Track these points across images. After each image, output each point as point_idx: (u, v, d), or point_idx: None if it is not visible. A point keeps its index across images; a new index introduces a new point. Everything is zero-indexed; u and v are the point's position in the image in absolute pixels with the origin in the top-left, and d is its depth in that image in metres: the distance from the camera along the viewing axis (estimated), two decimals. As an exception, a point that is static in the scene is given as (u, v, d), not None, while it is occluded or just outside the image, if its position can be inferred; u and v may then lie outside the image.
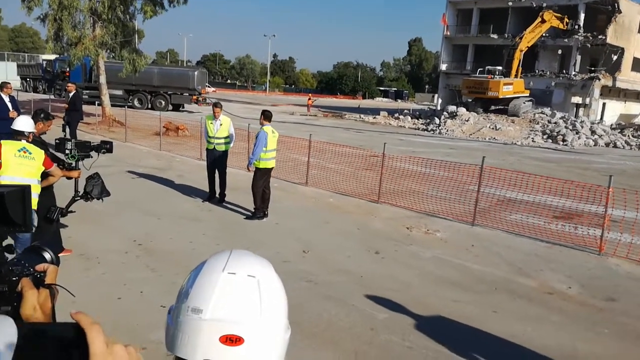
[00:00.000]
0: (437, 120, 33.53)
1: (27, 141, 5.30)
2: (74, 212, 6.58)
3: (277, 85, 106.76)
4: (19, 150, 5.16)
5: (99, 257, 6.30)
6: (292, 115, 37.11)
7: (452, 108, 34.65)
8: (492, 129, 30.75)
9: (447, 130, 31.10)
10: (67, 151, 6.22)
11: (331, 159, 13.78)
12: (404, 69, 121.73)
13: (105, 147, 6.67)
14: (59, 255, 4.56)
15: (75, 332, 0.78)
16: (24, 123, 5.40)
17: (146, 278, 5.82)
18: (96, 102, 21.15)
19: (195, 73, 32.05)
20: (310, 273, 6.27)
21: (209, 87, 50.67)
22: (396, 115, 39.66)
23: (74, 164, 6.27)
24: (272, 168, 8.82)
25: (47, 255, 1.31)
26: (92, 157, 6.46)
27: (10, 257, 1.19)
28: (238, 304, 0.94)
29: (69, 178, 6.13)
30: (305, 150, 12.23)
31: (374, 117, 38.94)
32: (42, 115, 6.21)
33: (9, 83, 11.18)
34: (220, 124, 9.30)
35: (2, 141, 5.16)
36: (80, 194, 6.56)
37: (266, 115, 8.61)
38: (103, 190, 6.72)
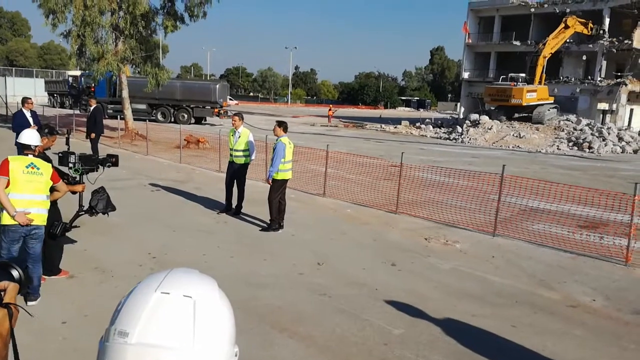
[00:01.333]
0: (459, 129, 33.14)
1: (34, 155, 5.23)
2: (78, 227, 6.59)
3: (298, 97, 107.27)
4: (27, 167, 5.04)
5: (113, 270, 6.31)
6: (313, 127, 37.15)
7: (474, 116, 34.22)
8: (516, 137, 30.24)
9: (470, 139, 30.69)
10: (70, 164, 6.20)
11: (350, 169, 13.68)
12: (426, 78, 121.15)
13: (111, 160, 6.64)
14: (56, 276, 4.55)
15: None
16: (30, 136, 5.31)
17: (159, 291, 5.79)
18: (119, 116, 21.51)
19: (217, 86, 32.39)
20: (324, 286, 6.16)
21: (231, 99, 51.22)
22: (418, 124, 39.35)
23: (78, 178, 6.24)
24: (288, 179, 8.77)
25: (15, 273, 1.26)
26: (96, 170, 6.43)
27: None
28: (168, 328, 0.84)
29: (73, 193, 6.07)
30: (322, 160, 12.15)
31: (395, 127, 38.71)
32: (46, 130, 6.18)
33: (30, 98, 11.45)
34: (239, 136, 9.30)
35: (9, 157, 5.07)
36: (84, 209, 6.50)
37: (284, 127, 8.59)
38: (108, 205, 6.68)
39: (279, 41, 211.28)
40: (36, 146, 5.29)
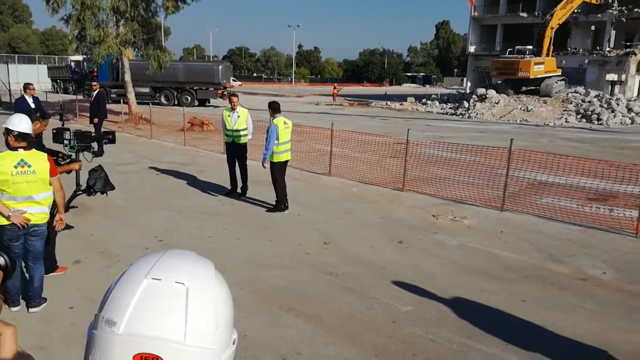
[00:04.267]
0: (465, 104, 32.79)
1: (26, 147, 4.49)
2: (76, 207, 6.48)
3: (302, 76, 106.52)
4: (15, 166, 4.39)
5: (119, 255, 6.30)
6: (317, 106, 36.88)
7: (481, 91, 33.80)
8: (524, 110, 29.87)
9: (477, 114, 30.37)
10: (65, 141, 5.95)
11: (355, 147, 13.57)
12: (431, 53, 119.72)
13: (108, 137, 6.46)
14: (54, 273, 4.35)
15: None
16: (24, 123, 4.51)
17: (165, 274, 5.77)
18: (122, 100, 21.41)
19: (220, 67, 32.14)
20: (331, 265, 6.13)
21: (234, 80, 50.92)
22: (424, 100, 38.98)
23: (73, 156, 5.99)
24: (287, 160, 8.63)
25: (1, 260, 1.20)
26: (93, 147, 6.17)
27: None
28: (158, 317, 0.77)
29: (68, 172, 5.69)
30: (328, 139, 12.04)
31: (401, 104, 38.37)
32: (38, 115, 5.71)
33: (32, 84, 11.37)
34: (238, 116, 9.19)
35: None
36: (82, 188, 6.27)
37: (274, 108, 8.40)
38: (107, 184, 6.49)
39: (281, 20, 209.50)
40: (27, 134, 4.53)
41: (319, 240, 7.05)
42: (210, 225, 7.67)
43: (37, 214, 4.57)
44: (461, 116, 30.89)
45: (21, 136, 4.45)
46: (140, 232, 7.24)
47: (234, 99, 9.23)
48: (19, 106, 11.15)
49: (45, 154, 4.68)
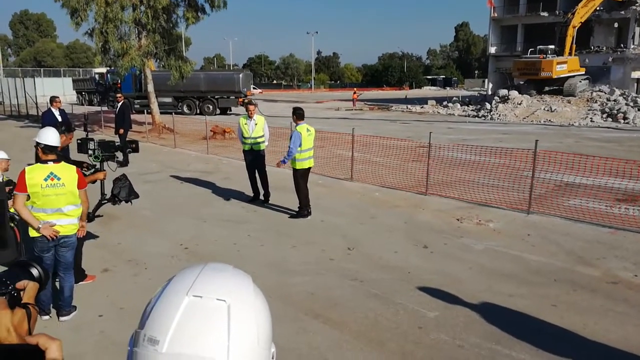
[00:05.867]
0: (488, 106, 32.44)
1: (56, 159, 4.61)
2: (101, 216, 6.59)
3: (322, 82, 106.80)
4: (45, 179, 4.47)
5: (147, 262, 6.38)
6: (338, 111, 36.92)
7: (503, 92, 33.40)
8: (547, 111, 29.41)
9: (499, 115, 30.02)
10: (90, 151, 6.04)
11: (377, 152, 13.53)
12: (451, 56, 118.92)
13: (131, 146, 6.54)
14: (83, 282, 4.37)
15: (35, 350, 0.73)
16: (53, 137, 4.66)
17: (192, 282, 5.82)
18: (146, 111, 21.76)
19: (240, 76, 32.44)
20: (356, 271, 6.11)
21: (255, 88, 51.31)
22: (445, 103, 38.70)
23: (98, 165, 6.09)
24: (309, 167, 8.63)
25: (35, 271, 1.22)
26: (117, 157, 6.26)
27: None
28: (202, 336, 0.78)
29: (93, 182, 5.80)
30: (349, 145, 12.04)
31: (422, 107, 38.15)
32: (63, 128, 5.80)
33: (58, 97, 11.65)
34: (255, 124, 9.25)
35: (26, 168, 4.55)
36: (107, 197, 6.37)
37: (298, 114, 8.44)
38: (131, 192, 6.57)
39: (300, 27, 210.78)
40: (56, 147, 4.67)
41: (343, 245, 7.04)
42: (234, 232, 7.72)
43: (66, 226, 4.67)
44: (483, 118, 30.56)
45: (50, 149, 4.56)
46: (166, 240, 7.33)
47: (251, 107, 9.31)
48: (46, 119, 11.43)
49: (74, 167, 4.77)
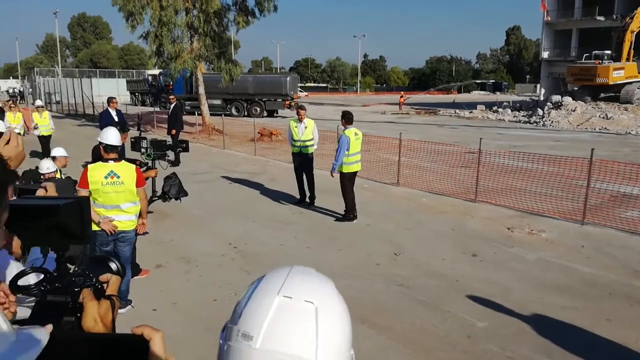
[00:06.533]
0: (540, 112, 31.48)
1: (116, 158, 4.85)
2: (152, 212, 6.79)
3: (368, 86, 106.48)
4: (106, 177, 4.69)
5: (197, 260, 6.55)
6: (383, 115, 36.72)
7: (556, 98, 32.36)
8: (603, 118, 28.27)
9: (552, 122, 29.08)
10: (142, 149, 6.30)
11: (424, 157, 13.39)
12: (502, 60, 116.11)
13: (182, 146, 6.76)
14: (138, 276, 4.55)
15: (140, 340, 0.77)
16: (115, 136, 4.89)
17: (240, 280, 5.94)
18: (196, 112, 22.31)
19: (288, 79, 32.79)
20: (403, 277, 6.07)
21: (301, 91, 51.73)
22: (495, 108, 37.81)
23: (150, 163, 6.33)
24: (357, 171, 8.65)
25: (113, 266, 1.30)
26: (168, 156, 6.45)
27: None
28: (292, 335, 0.83)
29: (145, 179, 5.90)
30: (395, 149, 11.97)
31: (471, 112, 37.43)
32: (118, 128, 5.85)
33: (115, 98, 12.11)
34: (305, 127, 9.35)
35: (89, 166, 4.81)
36: (158, 194, 6.60)
37: (347, 118, 8.46)
38: (180, 190, 6.80)
39: (347, 30, 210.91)
40: (117, 146, 4.91)
41: (389, 250, 7.01)
42: (281, 234, 7.82)
43: (125, 222, 4.88)
44: (535, 124, 29.69)
45: (111, 148, 4.79)
46: (215, 239, 7.50)
47: (302, 111, 9.42)
48: (104, 119, 11.92)
49: (134, 166, 4.98)
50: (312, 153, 9.53)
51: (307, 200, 9.59)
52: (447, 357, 4.31)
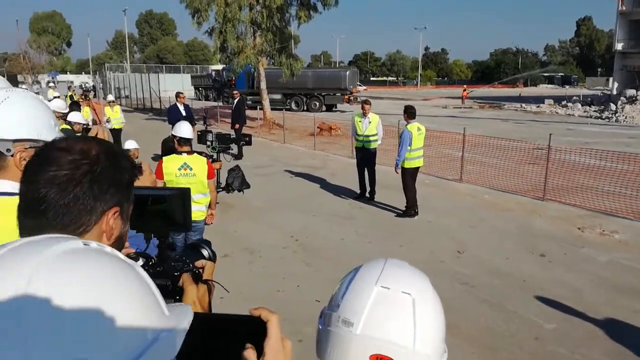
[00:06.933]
0: (612, 107, 29.85)
1: (189, 151, 5.06)
2: (217, 203, 7.01)
3: (428, 79, 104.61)
4: (179, 168, 4.91)
5: (260, 251, 6.72)
6: (445, 109, 35.99)
7: (630, 92, 30.55)
8: (684, 113, 26.44)
9: (626, 118, 27.50)
10: (208, 142, 6.54)
11: (487, 153, 13.02)
12: (571, 52, 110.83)
13: (245, 139, 6.93)
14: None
15: (258, 322, 0.81)
16: (187, 130, 5.19)
17: (302, 273, 6.05)
18: (258, 107, 22.73)
19: (347, 73, 32.73)
20: (467, 275, 5.96)
21: (360, 85, 51.52)
22: (563, 102, 36.20)
23: (215, 156, 6.56)
24: (419, 167, 8.55)
25: (205, 252, 1.38)
26: (232, 149, 6.66)
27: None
28: (391, 323, 0.87)
29: None
30: (458, 144, 11.72)
31: (538, 106, 36.00)
32: None
33: (182, 93, 12.53)
34: (369, 122, 9.32)
35: (164, 158, 5.01)
36: (222, 186, 6.82)
37: (410, 113, 8.36)
38: (243, 182, 7.00)
39: (408, 23, 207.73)
40: (190, 139, 5.19)
41: (452, 248, 6.90)
42: (341, 228, 7.87)
43: (196, 212, 5.07)
44: (607, 120, 28.18)
45: (185, 141, 5.03)
46: (277, 231, 7.65)
47: (366, 105, 9.38)
48: (172, 113, 12.39)
49: (205, 159, 5.18)
50: (375, 148, 9.50)
51: (367, 195, 9.58)
52: (512, 358, 4.22)
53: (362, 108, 9.41)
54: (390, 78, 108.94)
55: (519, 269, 6.16)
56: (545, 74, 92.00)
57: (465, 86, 49.54)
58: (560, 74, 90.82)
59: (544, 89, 74.75)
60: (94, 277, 0.54)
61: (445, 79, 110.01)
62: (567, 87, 75.64)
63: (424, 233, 7.66)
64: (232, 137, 8.64)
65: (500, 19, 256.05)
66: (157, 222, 1.18)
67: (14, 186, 1.44)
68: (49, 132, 1.52)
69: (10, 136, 1.45)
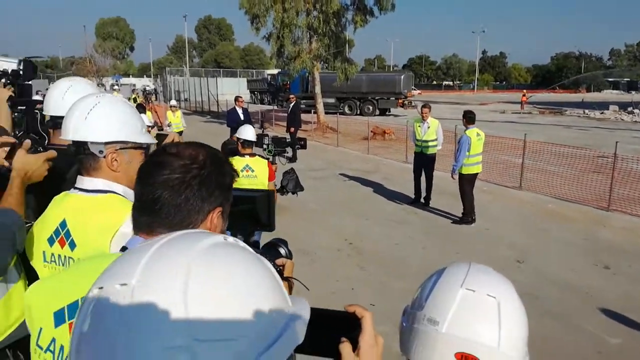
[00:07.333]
0: (684, 113, 28.16)
1: (251, 153, 5.20)
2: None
3: (486, 83, 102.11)
4: (242, 170, 4.99)
5: (316, 253, 6.79)
6: (503, 114, 35.00)
7: None
8: None
9: (700, 125, 25.87)
10: (264, 146, 6.68)
11: (549, 160, 12.58)
12: (638, 56, 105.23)
13: (300, 143, 7.03)
14: None
15: (353, 318, 0.85)
16: (252, 133, 5.36)
17: (356, 276, 6.07)
18: (312, 111, 22.95)
19: (402, 77, 32.47)
20: (527, 285, 5.78)
21: (414, 89, 51.00)
22: (629, 109, 34.44)
23: (270, 159, 6.71)
24: (477, 173, 8.39)
25: (282, 251, 1.44)
26: (287, 152, 6.81)
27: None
28: (476, 324, 0.91)
29: None
30: (517, 151, 11.41)
31: (602, 113, 34.41)
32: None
33: (241, 97, 12.85)
34: (428, 126, 9.22)
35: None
36: (277, 188, 6.96)
37: (469, 118, 8.21)
38: (297, 185, 7.09)
39: (465, 26, 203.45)
40: (253, 142, 5.34)
41: (511, 257, 6.73)
42: (395, 232, 7.83)
43: None
44: (679, 127, 26.59)
45: (248, 144, 5.19)
46: (332, 234, 7.71)
47: (425, 109, 9.28)
48: (231, 116, 12.73)
49: (266, 161, 5.29)
50: (434, 154, 9.38)
51: (422, 200, 9.48)
52: (576, 373, 4.07)
53: (421, 112, 9.32)
54: (445, 82, 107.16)
55: (582, 281, 5.94)
56: (610, 79, 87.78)
57: (524, 91, 48.03)
58: (625, 79, 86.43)
59: (608, 94, 71.32)
60: (238, 268, 0.60)
61: (503, 83, 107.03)
62: (633, 92, 71.80)
63: (482, 241, 7.50)
64: (287, 140, 8.78)
65: (563, 21, 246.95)
66: (244, 221, 1.25)
67: (106, 184, 1.55)
68: (137, 134, 1.63)
69: (102, 139, 1.56)
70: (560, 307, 5.22)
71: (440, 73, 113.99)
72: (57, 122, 2.14)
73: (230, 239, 0.66)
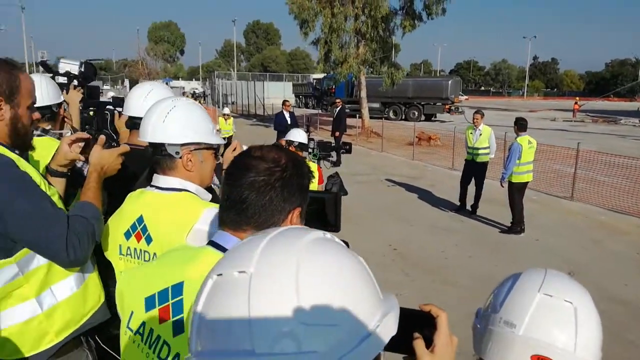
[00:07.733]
0: None
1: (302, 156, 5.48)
2: None
3: (536, 90, 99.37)
4: None
5: (364, 258, 6.79)
6: (554, 122, 33.98)
7: None
8: None
9: None
10: (310, 150, 6.78)
11: (602, 170, 12.14)
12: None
13: (345, 148, 7.07)
14: None
15: (428, 316, 0.88)
16: (303, 136, 5.54)
17: (401, 282, 6.05)
18: (357, 115, 22.96)
19: (450, 82, 32.02)
20: (577, 298, 5.63)
21: (461, 95, 50.20)
22: (691, 118, 32.76)
23: (316, 162, 6.79)
24: (527, 182, 8.19)
25: None
26: (331, 156, 6.85)
27: None
28: (553, 328, 0.95)
29: None
30: (568, 160, 11.08)
31: (660, 122, 32.88)
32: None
33: (288, 101, 13.04)
34: (480, 134, 9.08)
35: None
36: None
37: (520, 125, 8.03)
38: (341, 189, 7.15)
39: (515, 31, 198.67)
40: (305, 144, 5.48)
41: (562, 269, 6.43)
42: (441, 240, 7.75)
43: None
44: None
45: (300, 147, 5.32)
46: (377, 239, 7.70)
47: (477, 116, 9.15)
48: (278, 120, 12.92)
49: (316, 164, 5.38)
50: (486, 162, 9.20)
51: (469, 208, 9.33)
52: (630, 392, 3.93)
53: (474, 119, 9.20)
54: (491, 89, 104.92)
55: (635, 295, 5.72)
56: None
57: (577, 98, 46.44)
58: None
59: (669, 103, 67.96)
60: (340, 261, 0.66)
61: (555, 90, 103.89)
62: (695, 101, 68.19)
63: (531, 251, 7.33)
64: (332, 144, 8.87)
65: (619, 26, 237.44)
66: (312, 222, 1.30)
67: (181, 183, 1.64)
68: (209, 135, 1.72)
69: (178, 141, 1.65)
70: (613, 321, 5.04)
71: (488, 79, 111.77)
72: (135, 122, 2.26)
73: (328, 235, 0.71)
